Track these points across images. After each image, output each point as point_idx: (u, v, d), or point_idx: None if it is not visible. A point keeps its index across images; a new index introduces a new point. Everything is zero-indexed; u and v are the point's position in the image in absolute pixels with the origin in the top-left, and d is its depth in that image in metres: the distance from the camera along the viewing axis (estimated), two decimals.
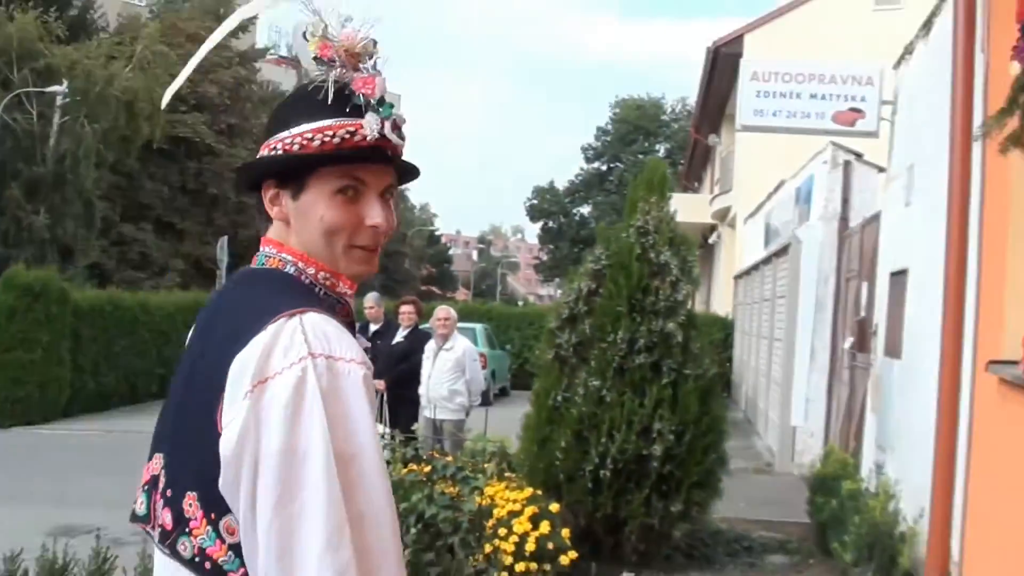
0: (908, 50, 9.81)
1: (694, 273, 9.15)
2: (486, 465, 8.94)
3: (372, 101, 2.01)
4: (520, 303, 60.28)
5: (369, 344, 12.06)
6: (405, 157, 2.14)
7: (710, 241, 34.40)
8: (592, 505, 8.29)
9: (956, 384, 5.64)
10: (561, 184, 71.62)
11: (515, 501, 7.73)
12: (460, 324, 12.74)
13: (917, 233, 9.24)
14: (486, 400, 16.72)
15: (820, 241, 16.06)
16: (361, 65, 2.04)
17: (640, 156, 60.25)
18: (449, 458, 8.53)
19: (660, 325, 8.52)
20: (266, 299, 1.95)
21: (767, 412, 18.33)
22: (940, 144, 7.38)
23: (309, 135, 2.00)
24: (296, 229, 2.06)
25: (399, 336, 11.63)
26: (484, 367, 18.28)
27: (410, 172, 2.19)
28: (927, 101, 9.25)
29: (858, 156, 15.89)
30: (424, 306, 12.65)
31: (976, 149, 6.00)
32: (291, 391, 1.80)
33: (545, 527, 7.50)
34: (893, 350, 9.87)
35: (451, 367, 11.14)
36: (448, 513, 7.49)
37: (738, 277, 25.90)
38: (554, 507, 7.81)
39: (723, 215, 30.96)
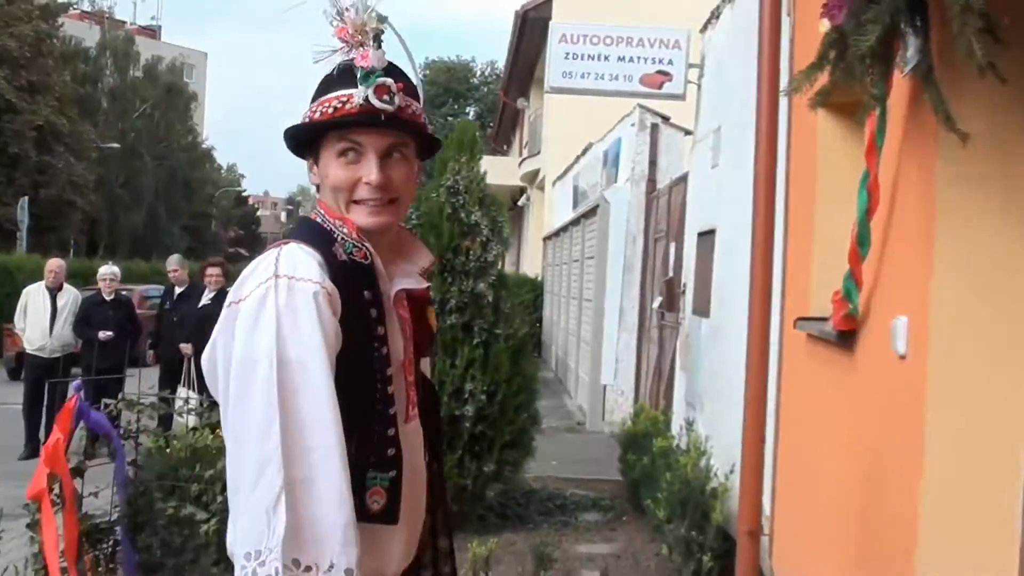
0: (715, 14, 9.88)
1: (504, 233, 9.05)
2: None
3: (364, 71, 2.30)
4: None
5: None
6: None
7: (519, 204, 34.52)
8: None
9: (765, 341, 5.65)
10: None
11: None
12: None
13: (724, 194, 9.34)
14: None
15: (628, 202, 16.20)
16: (365, 42, 2.33)
17: (449, 119, 60.07)
18: None
19: (471, 285, 8.39)
20: (280, 239, 2.34)
21: (577, 372, 18.46)
22: (746, 107, 7.43)
23: (315, 108, 2.34)
24: (322, 189, 2.40)
25: (205, 299, 11.26)
26: None
27: (427, 136, 2.47)
28: (733, 64, 9.34)
29: (665, 119, 16.07)
30: (232, 268, 12.24)
31: (783, 110, 6.02)
32: (254, 307, 2.15)
33: None
34: (701, 309, 9.98)
35: None
36: None
37: (547, 239, 26.04)
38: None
39: (532, 178, 31.08)
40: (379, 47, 2.36)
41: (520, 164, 32.28)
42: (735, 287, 7.89)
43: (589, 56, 11.61)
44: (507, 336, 8.56)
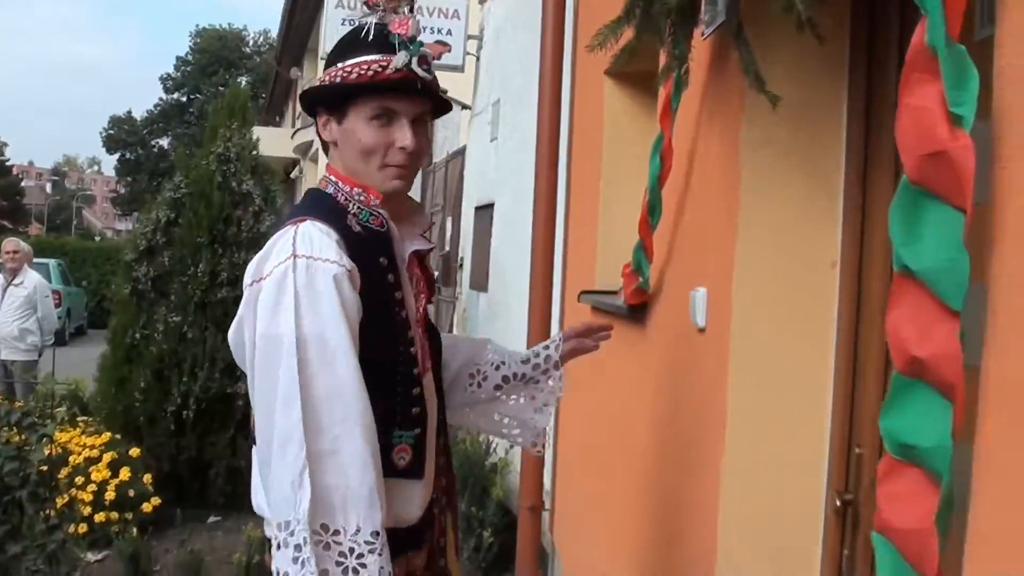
0: None
1: (278, 204, 8.70)
2: (56, 410, 8.21)
3: (405, 39, 2.36)
4: (97, 238, 57.31)
5: None
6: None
7: (292, 176, 33.80)
8: (175, 448, 7.70)
9: (546, 315, 5.54)
10: (139, 114, 68.53)
11: (92, 447, 7.13)
12: (34, 260, 11.71)
13: (503, 168, 9.23)
14: (60, 340, 15.58)
15: None
16: (399, 8, 2.40)
17: (221, 88, 58.50)
18: (19, 403, 7.72)
19: (243, 257, 8.00)
20: (293, 214, 2.39)
21: None
22: (526, 79, 7.31)
23: (349, 68, 2.37)
24: (340, 149, 2.44)
25: None
26: (58, 305, 16.99)
27: (444, 105, 2.56)
28: (513, 36, 9.22)
29: (442, 92, 15.89)
30: None
31: (566, 81, 5.90)
32: (275, 286, 2.22)
33: (125, 474, 6.92)
34: (479, 283, 9.86)
35: (21, 304, 10.46)
36: (14, 465, 6.77)
37: None
38: (135, 452, 7.23)
39: (305, 149, 30.41)
40: (412, 12, 2.46)
41: (293, 135, 31.53)
42: (514, 261, 7.78)
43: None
44: None
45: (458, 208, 11.97)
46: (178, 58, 64.50)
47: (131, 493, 6.91)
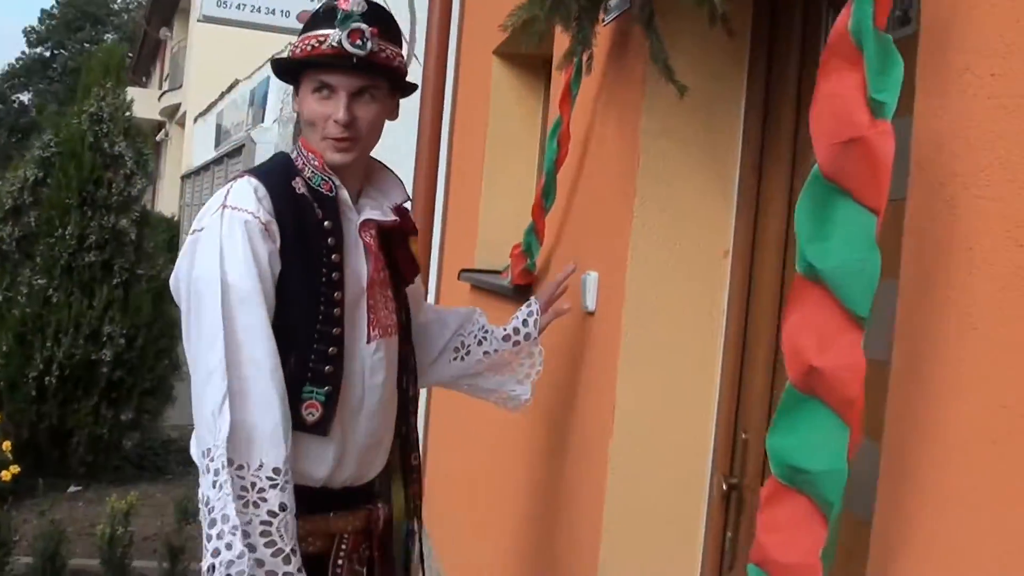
0: None
1: (150, 167, 8.51)
2: None
3: (344, 14, 2.44)
4: None
5: None
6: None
7: (158, 139, 33.08)
8: (36, 415, 7.49)
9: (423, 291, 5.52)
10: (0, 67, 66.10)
11: None
12: None
13: (382, 144, 9.14)
14: None
15: (275, 144, 15.80)
16: None
17: (87, 45, 56.78)
18: None
19: (112, 221, 7.81)
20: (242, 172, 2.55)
21: None
22: (409, 57, 7.24)
23: (297, 43, 2.52)
24: (302, 117, 2.56)
25: None
26: None
27: (400, 81, 2.64)
28: (395, 12, 9.13)
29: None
30: None
31: (450, 61, 5.89)
32: (206, 234, 2.38)
33: None
34: None
35: None
36: None
37: (186, 177, 25.09)
38: None
39: (172, 112, 29.85)
40: None
41: (160, 97, 30.87)
42: None
43: None
44: (149, 277, 8.08)
45: None
46: (43, 11, 62.34)
47: None
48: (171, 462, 8.57)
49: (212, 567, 2.22)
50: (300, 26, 8.39)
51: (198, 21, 11.74)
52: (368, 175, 2.70)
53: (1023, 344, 1.41)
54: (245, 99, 18.87)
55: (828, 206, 1.61)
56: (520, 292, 3.98)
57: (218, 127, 21.99)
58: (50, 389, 7.48)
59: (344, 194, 2.55)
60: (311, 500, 2.47)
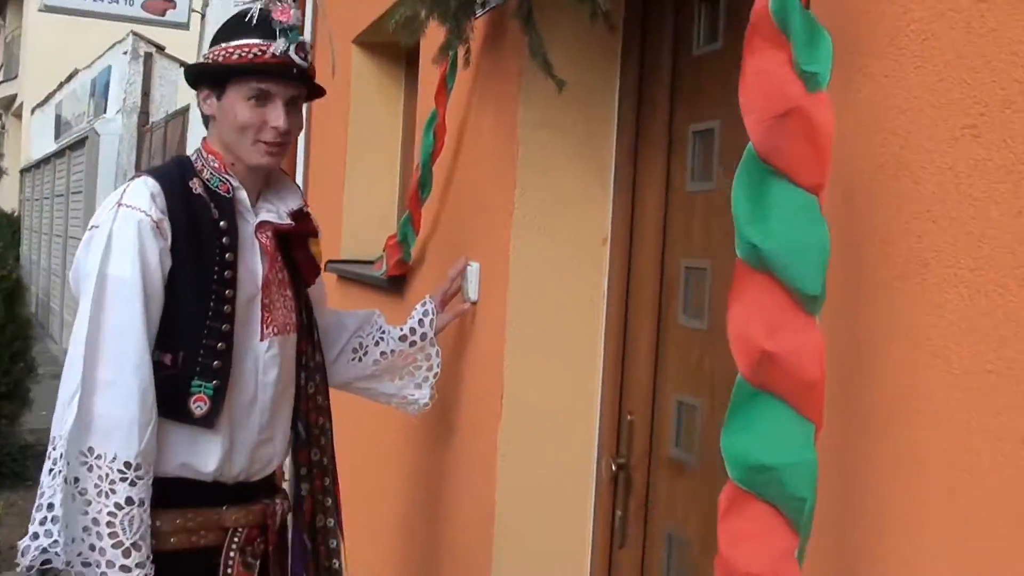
0: None
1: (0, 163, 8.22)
2: None
3: (285, 26, 2.53)
4: None
5: None
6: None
7: None
8: None
9: None
10: None
11: None
12: None
13: None
14: None
15: (119, 135, 15.39)
16: None
17: None
18: None
19: None
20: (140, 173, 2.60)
21: (63, 314, 17.35)
22: None
23: (232, 49, 2.54)
24: (218, 123, 2.60)
25: None
26: None
27: (317, 90, 2.75)
28: None
29: (160, 49, 15.34)
30: None
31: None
32: (99, 231, 2.44)
33: None
34: None
35: None
36: None
37: (25, 171, 24.23)
38: None
39: (8, 104, 28.78)
40: (295, 3, 2.61)
41: None
42: None
43: None
44: (0, 278, 7.80)
45: None
46: None
47: None
48: (30, 468, 8.30)
49: (26, 549, 2.34)
50: (146, 15, 8.21)
51: (39, 11, 11.33)
52: (268, 180, 2.74)
53: (920, 330, 1.47)
54: (86, 89, 18.30)
55: (765, 187, 1.50)
56: (394, 283, 3.97)
57: (58, 118, 21.28)
58: None
59: (242, 195, 2.60)
60: (203, 493, 2.55)
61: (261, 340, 2.62)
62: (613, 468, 2.82)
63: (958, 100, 1.44)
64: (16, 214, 24.79)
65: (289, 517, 2.84)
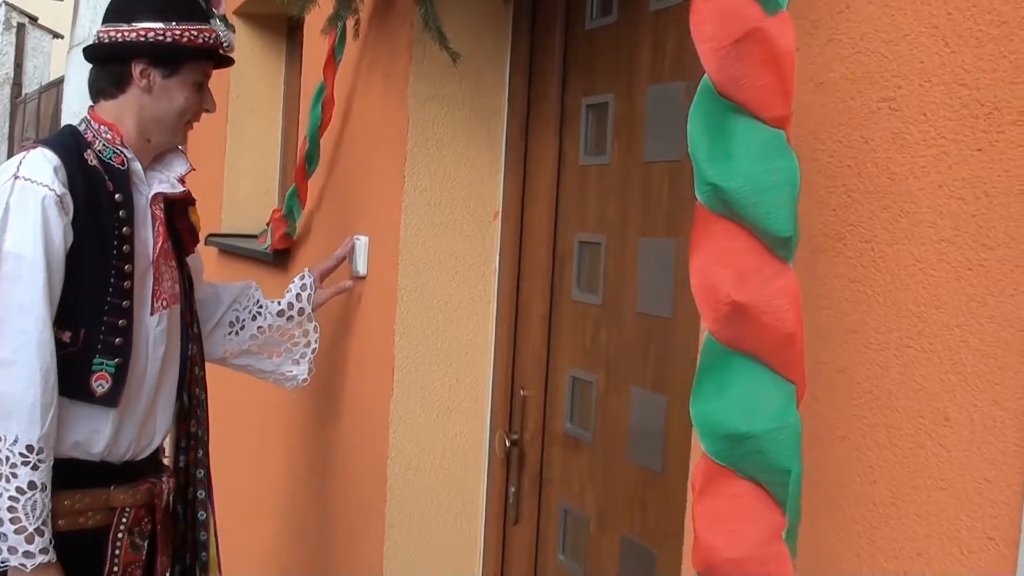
0: None
1: None
2: None
3: (221, 15, 2.56)
4: None
5: None
6: None
7: None
8: None
9: None
10: None
11: None
12: None
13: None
14: None
15: None
16: None
17: None
18: None
19: None
20: (34, 142, 2.50)
21: None
22: None
23: (195, 32, 2.48)
24: (155, 100, 2.50)
25: None
26: None
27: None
28: None
29: (33, 19, 14.82)
30: None
31: None
32: None
33: None
34: None
35: None
36: None
37: None
38: None
39: None
40: None
41: None
42: None
43: None
44: None
45: None
46: None
47: None
48: None
49: None
50: None
51: None
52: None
53: (838, 304, 1.42)
54: None
55: (725, 122, 1.29)
56: (279, 257, 3.84)
57: None
58: None
59: (137, 166, 2.51)
60: (90, 474, 2.44)
61: (152, 314, 2.52)
62: (507, 444, 2.74)
63: (875, 73, 1.38)
64: None
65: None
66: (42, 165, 2.33)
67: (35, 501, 2.23)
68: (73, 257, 2.34)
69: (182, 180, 2.62)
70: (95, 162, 2.42)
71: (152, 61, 2.48)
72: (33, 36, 14.77)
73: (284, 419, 3.80)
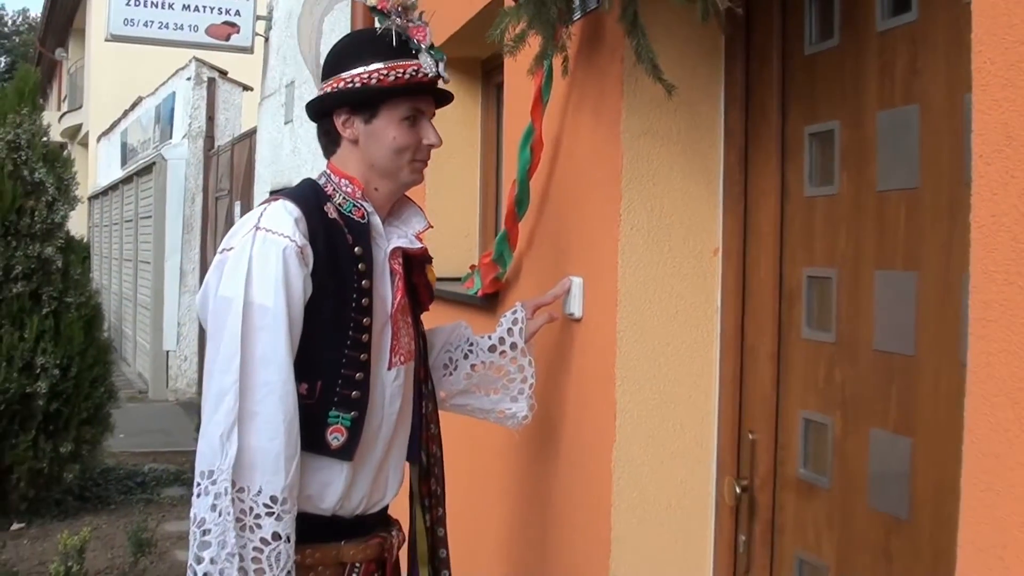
0: None
1: (72, 192, 8.24)
2: None
3: (423, 46, 2.54)
4: None
5: None
6: None
7: None
8: None
9: None
10: None
11: None
12: None
13: (300, 150, 9.00)
14: None
15: (186, 160, 15.51)
16: (411, 16, 2.56)
17: None
18: None
19: (38, 250, 7.57)
20: (276, 195, 2.57)
21: (136, 338, 17.52)
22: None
23: (385, 71, 2.51)
24: (365, 147, 2.56)
25: None
26: None
27: (445, 99, 2.72)
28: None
29: (223, 73, 15.43)
30: None
31: None
32: (236, 254, 2.37)
33: None
34: None
35: None
36: None
37: (93, 198, 24.51)
38: None
39: (74, 133, 29.14)
40: (427, 24, 2.59)
41: (60, 119, 30.12)
42: None
43: (153, 3, 10.80)
44: (79, 305, 7.85)
45: (249, 192, 11.64)
46: None
47: None
48: (113, 491, 8.33)
49: None
50: (210, 40, 8.27)
51: (106, 40, 11.43)
52: (397, 200, 2.72)
53: None
54: (150, 116, 18.45)
55: None
56: (487, 299, 3.87)
57: (123, 145, 21.49)
58: None
59: (376, 220, 2.57)
60: (321, 528, 2.49)
61: (389, 368, 2.58)
62: (737, 490, 2.69)
63: None
64: (85, 240, 25.06)
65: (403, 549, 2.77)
66: (283, 216, 2.41)
67: (279, 552, 2.29)
68: (312, 309, 2.41)
69: (419, 237, 2.68)
70: (335, 215, 2.50)
71: (351, 110, 2.55)
72: (223, 90, 15.38)
73: (502, 466, 3.81)
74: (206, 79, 15.32)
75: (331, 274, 2.44)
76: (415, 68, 2.52)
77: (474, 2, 4.21)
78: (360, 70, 2.53)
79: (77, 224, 27.67)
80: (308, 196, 2.53)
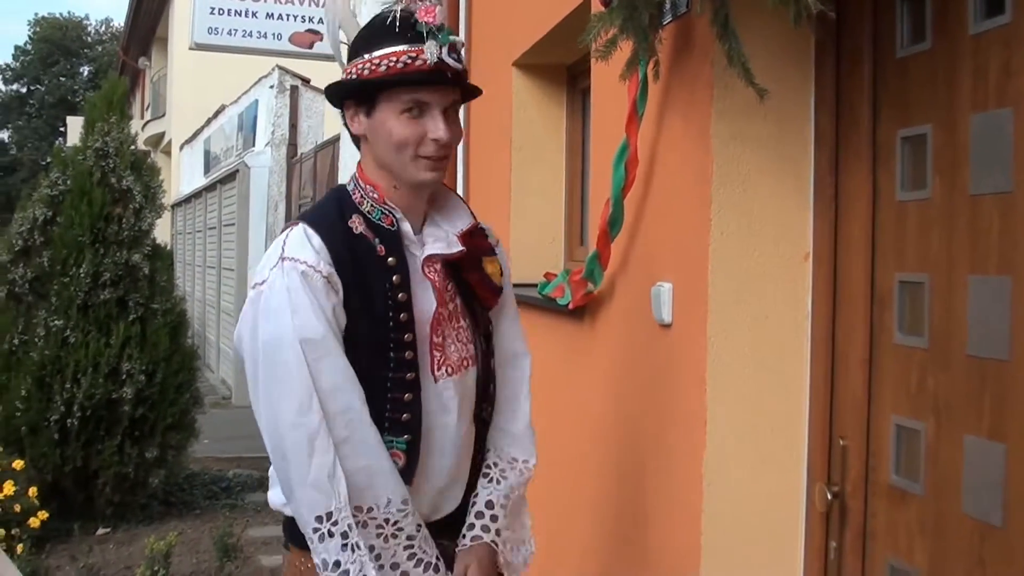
0: None
1: (159, 200, 8.44)
2: None
3: (432, 28, 2.31)
4: None
5: None
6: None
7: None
8: (60, 458, 7.36)
9: None
10: None
11: None
12: None
13: None
14: None
15: (269, 168, 15.74)
16: None
17: (62, 79, 56.72)
18: None
19: (125, 256, 7.75)
20: (298, 216, 2.58)
21: (219, 344, 17.81)
22: None
23: (378, 60, 2.31)
24: (371, 142, 2.42)
25: None
26: None
27: (472, 90, 2.51)
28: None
29: (305, 81, 15.66)
30: None
31: None
32: (269, 291, 2.30)
33: (9, 488, 6.60)
34: None
35: None
36: None
37: (176, 205, 24.96)
38: (18, 464, 6.88)
39: (157, 141, 29.70)
40: (440, 3, 2.39)
41: (143, 127, 30.74)
42: None
43: (236, 12, 11.04)
44: (165, 311, 8.02)
45: None
46: (16, 47, 62.10)
47: (17, 508, 6.59)
48: (198, 496, 8.50)
49: None
50: (293, 48, 8.39)
51: (190, 49, 11.69)
52: (433, 199, 2.56)
53: None
54: (233, 124, 18.77)
55: None
56: (577, 309, 3.91)
57: (206, 153, 21.89)
58: (72, 431, 7.37)
59: (406, 227, 2.45)
60: None
61: (435, 383, 2.45)
62: (828, 496, 2.71)
63: None
64: (168, 248, 25.50)
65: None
66: (302, 243, 2.33)
67: (425, 537, 2.39)
68: (349, 334, 2.35)
69: (465, 235, 2.52)
70: (362, 228, 2.40)
71: (355, 103, 2.42)
72: (306, 97, 15.60)
73: (587, 474, 3.87)
74: (289, 87, 15.55)
75: (363, 297, 2.36)
76: (411, 55, 2.30)
77: (560, 8, 4.28)
78: (362, 59, 2.36)
79: (161, 232, 28.20)
80: (330, 214, 2.42)
